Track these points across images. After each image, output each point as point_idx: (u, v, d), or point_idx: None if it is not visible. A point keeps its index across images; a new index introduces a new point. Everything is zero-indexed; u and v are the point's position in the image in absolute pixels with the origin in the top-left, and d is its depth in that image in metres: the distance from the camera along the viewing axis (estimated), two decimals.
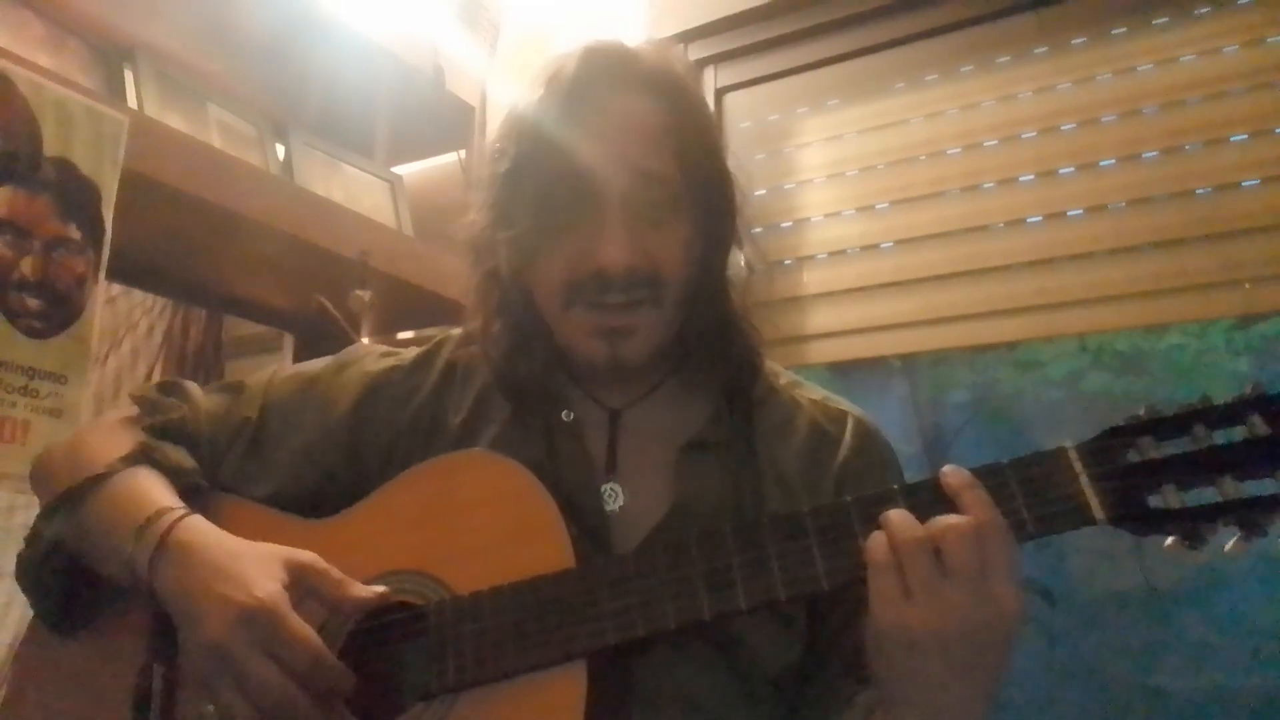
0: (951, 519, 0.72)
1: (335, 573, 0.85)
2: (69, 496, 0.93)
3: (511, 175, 0.93)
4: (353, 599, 0.84)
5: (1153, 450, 0.72)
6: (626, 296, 0.90)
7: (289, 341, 2.06)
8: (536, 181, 0.91)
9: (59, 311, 1.27)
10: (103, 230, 1.32)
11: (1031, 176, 1.75)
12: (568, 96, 0.91)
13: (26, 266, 1.23)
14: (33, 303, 1.24)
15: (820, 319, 1.90)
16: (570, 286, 0.91)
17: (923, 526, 0.72)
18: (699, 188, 0.94)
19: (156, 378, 2.02)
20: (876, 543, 0.73)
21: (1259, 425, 0.70)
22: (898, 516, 0.73)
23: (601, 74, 0.92)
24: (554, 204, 0.90)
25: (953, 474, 0.75)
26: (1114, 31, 1.72)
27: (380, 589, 0.85)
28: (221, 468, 1.00)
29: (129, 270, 1.66)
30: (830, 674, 0.91)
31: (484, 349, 1.00)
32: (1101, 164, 1.69)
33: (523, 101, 0.94)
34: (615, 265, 0.88)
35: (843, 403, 1.03)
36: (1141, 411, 0.74)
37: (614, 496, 0.93)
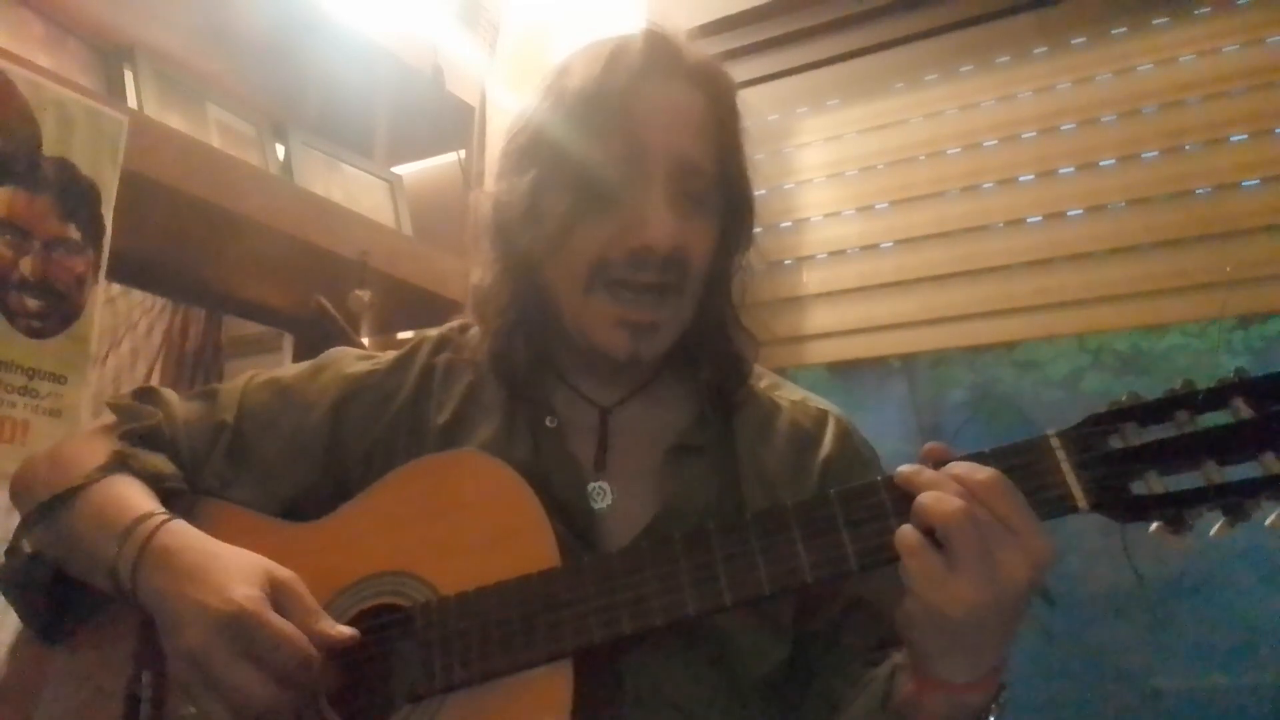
0: (977, 476, 0.70)
1: (310, 601, 0.83)
2: (47, 508, 0.93)
3: (558, 147, 0.92)
4: (322, 634, 0.81)
5: (1135, 436, 0.71)
6: (660, 277, 0.90)
7: (289, 341, 2.05)
8: (585, 154, 0.90)
9: (59, 311, 1.26)
10: (102, 230, 1.31)
11: (1031, 176, 1.75)
12: (632, 76, 0.90)
13: (26, 266, 1.23)
14: (32, 303, 1.24)
15: (820, 319, 1.90)
16: (599, 266, 0.90)
17: (957, 497, 0.69)
18: (728, 188, 0.95)
19: (156, 378, 2.03)
20: (906, 531, 0.71)
21: (1242, 409, 0.69)
22: (929, 498, 0.70)
23: (662, 59, 0.93)
24: (600, 179, 0.90)
25: (936, 447, 0.74)
26: (1114, 31, 1.72)
27: (351, 631, 0.83)
28: (202, 472, 1.00)
29: (129, 270, 1.66)
30: (830, 669, 0.91)
31: (487, 331, 0.99)
32: (1101, 164, 1.69)
33: (577, 78, 0.93)
34: (662, 243, 0.88)
35: (821, 402, 1.04)
36: (1124, 398, 0.73)
37: (602, 495, 0.93)
